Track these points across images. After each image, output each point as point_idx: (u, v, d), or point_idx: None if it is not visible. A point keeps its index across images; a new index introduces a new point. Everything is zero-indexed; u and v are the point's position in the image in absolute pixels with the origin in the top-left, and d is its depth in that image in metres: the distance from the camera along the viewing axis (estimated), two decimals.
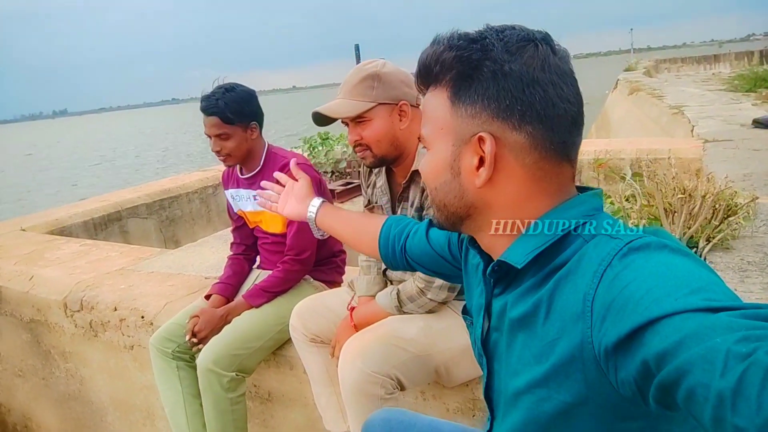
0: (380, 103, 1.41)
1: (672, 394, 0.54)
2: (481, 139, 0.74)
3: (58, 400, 2.74)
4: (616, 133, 11.70)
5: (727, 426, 0.48)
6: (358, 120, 1.43)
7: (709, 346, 0.51)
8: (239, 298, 1.90)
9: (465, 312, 0.97)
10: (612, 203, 2.46)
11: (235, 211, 2.08)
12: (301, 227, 1.85)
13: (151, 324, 2.20)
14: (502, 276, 0.81)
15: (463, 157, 0.77)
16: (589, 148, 4.36)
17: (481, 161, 0.75)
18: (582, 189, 0.79)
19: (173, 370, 1.85)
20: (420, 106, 0.85)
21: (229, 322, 1.81)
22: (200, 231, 4.65)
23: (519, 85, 0.72)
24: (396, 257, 1.17)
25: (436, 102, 0.79)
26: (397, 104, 1.44)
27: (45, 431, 2.90)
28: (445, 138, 0.78)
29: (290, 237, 1.87)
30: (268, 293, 1.85)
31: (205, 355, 1.74)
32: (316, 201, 1.29)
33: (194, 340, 1.77)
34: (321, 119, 1.46)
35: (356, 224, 1.26)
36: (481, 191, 0.77)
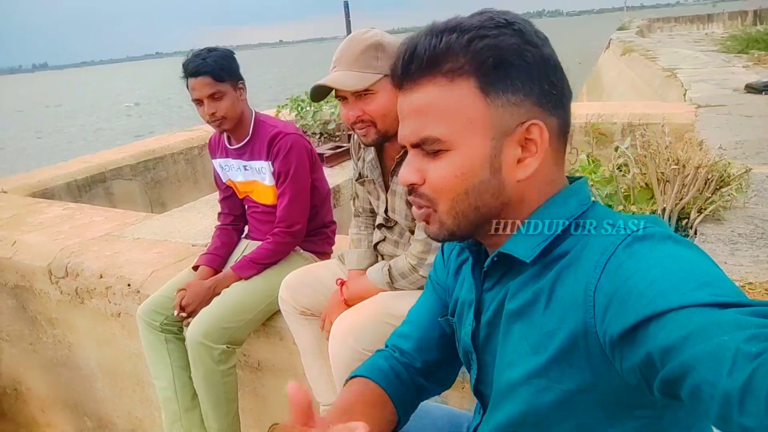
0: (386, 75, 1.31)
1: (676, 389, 0.54)
2: (532, 128, 0.71)
3: (46, 365, 2.73)
4: (608, 95, 11.62)
5: (733, 425, 0.48)
6: (362, 93, 1.34)
7: (717, 344, 0.50)
8: (227, 269, 1.87)
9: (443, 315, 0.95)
10: (602, 171, 2.45)
11: (224, 181, 2.03)
12: (293, 198, 1.82)
13: (138, 292, 2.17)
14: (498, 269, 0.78)
15: (505, 151, 0.71)
16: (581, 111, 4.31)
17: (525, 151, 0.72)
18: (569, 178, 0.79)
19: (162, 343, 1.84)
20: (405, 104, 0.73)
21: (218, 294, 1.79)
22: (186, 194, 4.58)
23: (554, 71, 0.72)
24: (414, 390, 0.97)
25: (458, 95, 0.70)
26: None
27: (34, 396, 2.90)
28: (479, 133, 0.70)
29: (281, 208, 1.84)
30: (257, 265, 1.82)
31: (195, 329, 1.72)
32: None
33: (183, 314, 1.75)
34: (318, 94, 1.39)
35: None
36: (519, 185, 0.73)
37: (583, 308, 0.65)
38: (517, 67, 0.69)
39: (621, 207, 2.23)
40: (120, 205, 3.97)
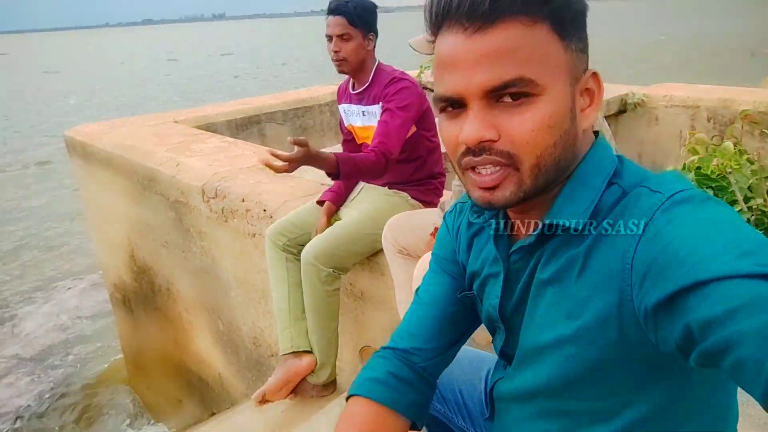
0: None
1: (717, 361, 0.53)
2: (593, 76, 0.70)
3: (193, 271, 3.21)
4: None
5: None
6: None
7: (764, 321, 0.48)
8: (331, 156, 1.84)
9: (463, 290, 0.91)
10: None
11: (345, 125, 2.24)
12: (390, 127, 1.89)
13: (271, 217, 2.48)
14: (531, 239, 0.74)
15: (576, 99, 0.69)
16: (744, 97, 3.94)
17: (585, 101, 0.70)
18: None
19: (282, 261, 2.12)
20: (476, 46, 0.64)
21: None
22: (328, 142, 4.94)
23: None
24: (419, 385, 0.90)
25: (540, 37, 0.65)
26: None
27: (181, 296, 3.43)
28: (562, 77, 0.67)
29: (378, 133, 1.90)
30: (355, 165, 1.83)
31: (308, 251, 1.97)
32: None
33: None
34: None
35: None
36: (580, 137, 0.70)
37: (620, 276, 0.63)
38: (581, 13, 0.68)
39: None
40: (270, 146, 4.41)
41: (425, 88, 3.56)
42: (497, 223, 0.80)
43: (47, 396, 4.28)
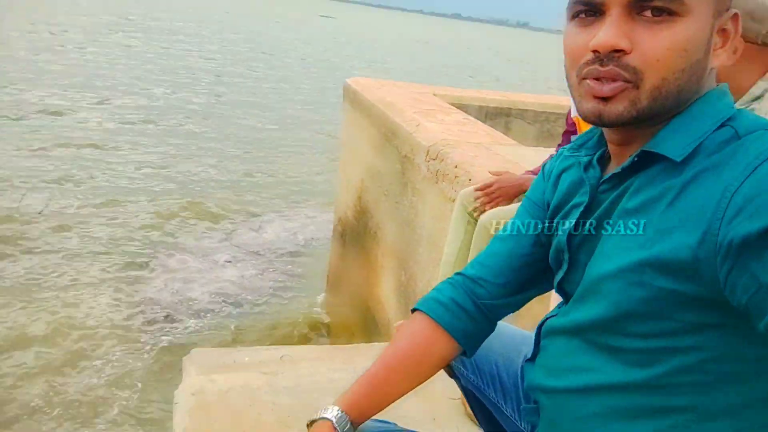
0: None
1: None
2: (736, 17, 0.69)
3: (399, 222, 3.52)
4: None
5: None
6: None
7: None
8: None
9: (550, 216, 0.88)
10: None
11: (572, 116, 2.24)
12: None
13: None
14: (627, 168, 0.72)
15: (714, 34, 0.68)
16: None
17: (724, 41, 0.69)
18: None
19: (462, 222, 2.25)
20: None
21: (524, 191, 2.08)
22: None
23: None
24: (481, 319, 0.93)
25: None
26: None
27: (384, 241, 3.79)
28: (707, 5, 0.66)
29: None
30: None
31: (487, 217, 2.07)
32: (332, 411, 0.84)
33: (478, 193, 2.11)
34: None
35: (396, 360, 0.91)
36: (707, 75, 0.69)
37: (714, 209, 0.59)
38: None
39: None
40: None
41: None
42: (593, 154, 0.79)
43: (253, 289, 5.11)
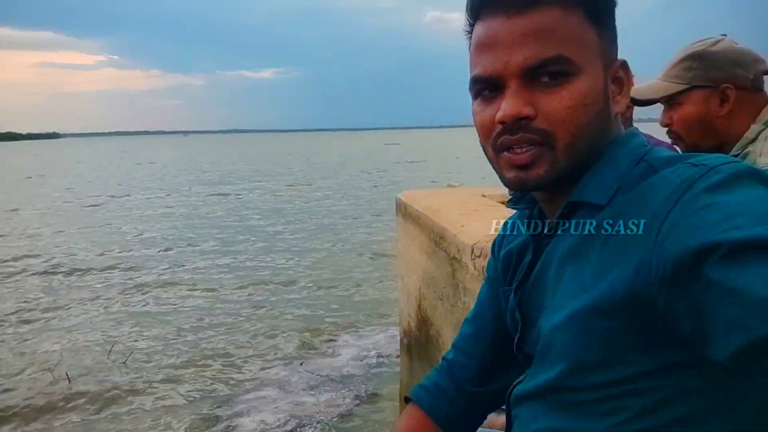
0: (694, 86, 1.33)
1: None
2: (624, 65, 0.75)
3: (454, 325, 3.41)
4: None
5: None
6: (670, 102, 1.40)
7: None
8: None
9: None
10: None
11: None
12: None
13: None
14: (563, 216, 0.76)
15: (609, 83, 0.73)
16: None
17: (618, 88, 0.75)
18: None
19: None
20: (518, 27, 0.68)
21: None
22: None
23: None
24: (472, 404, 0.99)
25: (575, 21, 0.69)
26: (717, 87, 1.32)
27: (445, 349, 3.66)
28: (597, 60, 0.71)
29: None
30: None
31: None
32: None
33: None
34: (637, 100, 1.48)
35: None
36: (612, 121, 0.74)
37: (644, 239, 0.60)
38: (613, 3, 0.71)
39: None
40: None
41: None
42: (530, 211, 0.84)
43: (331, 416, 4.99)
